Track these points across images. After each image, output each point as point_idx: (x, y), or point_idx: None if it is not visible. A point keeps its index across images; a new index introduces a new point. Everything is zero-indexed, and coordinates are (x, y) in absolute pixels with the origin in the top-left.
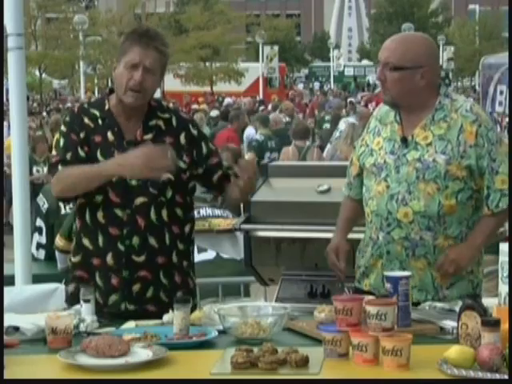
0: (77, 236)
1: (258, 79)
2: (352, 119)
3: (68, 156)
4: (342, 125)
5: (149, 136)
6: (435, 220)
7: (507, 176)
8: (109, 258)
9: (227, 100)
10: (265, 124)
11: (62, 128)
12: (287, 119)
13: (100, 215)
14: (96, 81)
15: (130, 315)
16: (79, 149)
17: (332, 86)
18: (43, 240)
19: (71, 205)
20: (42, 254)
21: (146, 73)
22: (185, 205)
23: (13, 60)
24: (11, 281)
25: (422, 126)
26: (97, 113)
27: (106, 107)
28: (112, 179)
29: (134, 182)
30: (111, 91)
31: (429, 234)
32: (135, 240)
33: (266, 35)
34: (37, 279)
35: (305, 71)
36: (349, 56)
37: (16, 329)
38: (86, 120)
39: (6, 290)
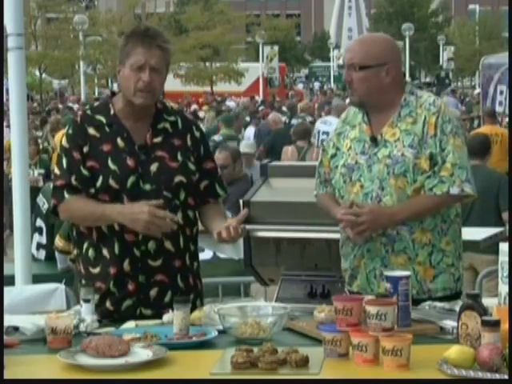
0: (96, 247)
1: (258, 79)
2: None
3: (73, 179)
4: (320, 125)
5: (158, 139)
6: None
7: (452, 166)
8: (125, 265)
9: (229, 103)
10: (228, 124)
11: (64, 143)
12: (310, 119)
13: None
14: (96, 81)
15: (147, 319)
16: (82, 168)
17: (332, 86)
18: (43, 240)
19: None
20: (42, 254)
21: (152, 72)
22: (195, 206)
23: (13, 60)
24: (11, 281)
25: (390, 124)
26: (102, 119)
27: (112, 112)
28: (127, 185)
29: (147, 187)
30: (113, 94)
31: (404, 228)
32: (151, 245)
33: (265, 35)
34: (37, 279)
35: (305, 71)
36: None
37: (16, 329)
38: (91, 130)
39: (6, 290)
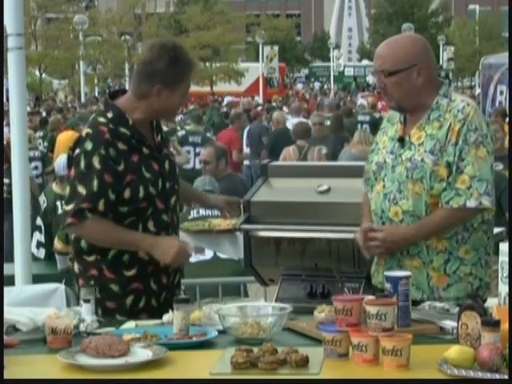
0: (131, 251)
1: (258, 79)
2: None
3: (100, 204)
4: (290, 124)
5: (159, 137)
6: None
7: (470, 178)
8: (161, 262)
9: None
10: (196, 121)
11: (96, 164)
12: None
13: (151, 224)
14: (96, 81)
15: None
16: (111, 192)
17: (332, 86)
18: (43, 239)
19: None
20: (42, 252)
21: None
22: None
23: (13, 60)
24: (11, 281)
25: (418, 126)
26: (126, 131)
27: (130, 123)
28: (157, 188)
29: (168, 186)
30: (110, 97)
31: None
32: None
33: (265, 35)
34: (37, 279)
35: (305, 71)
36: (349, 56)
37: (16, 329)
38: (121, 145)
39: (6, 290)
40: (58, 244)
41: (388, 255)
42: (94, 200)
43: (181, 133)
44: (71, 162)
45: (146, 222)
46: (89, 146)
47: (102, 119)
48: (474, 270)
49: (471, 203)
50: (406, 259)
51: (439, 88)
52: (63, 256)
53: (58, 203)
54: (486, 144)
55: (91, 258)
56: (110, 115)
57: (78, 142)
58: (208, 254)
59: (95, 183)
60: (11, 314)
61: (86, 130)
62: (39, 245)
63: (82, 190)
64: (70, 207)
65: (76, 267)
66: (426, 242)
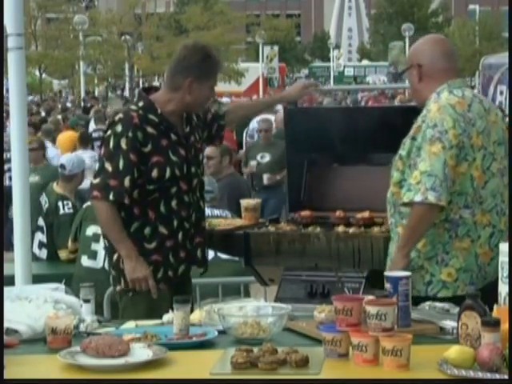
0: (152, 225)
1: (258, 79)
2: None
3: (126, 182)
4: (255, 123)
5: (188, 128)
6: (392, 208)
7: (421, 174)
8: (180, 236)
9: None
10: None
11: (123, 145)
12: None
13: (174, 203)
14: (96, 81)
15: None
16: (136, 171)
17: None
18: (45, 239)
19: (70, 205)
20: (44, 253)
21: None
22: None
23: (13, 60)
24: (11, 281)
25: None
26: (154, 118)
27: (159, 112)
28: (182, 171)
29: (193, 170)
30: (145, 90)
31: (467, 211)
32: (194, 216)
33: (265, 35)
34: (37, 279)
35: (305, 71)
36: (349, 56)
37: (15, 330)
38: (149, 129)
39: (6, 289)
40: (62, 253)
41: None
42: (120, 176)
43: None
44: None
45: (170, 201)
46: (118, 128)
47: (133, 107)
48: (426, 264)
49: (418, 198)
50: (455, 242)
51: (440, 85)
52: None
53: (60, 203)
54: (443, 140)
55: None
56: (140, 104)
57: (110, 125)
58: (209, 254)
59: (121, 162)
60: (11, 323)
61: (118, 116)
62: (41, 245)
63: (108, 166)
64: (96, 181)
65: (105, 242)
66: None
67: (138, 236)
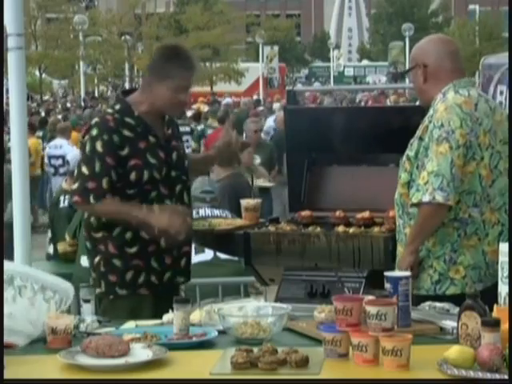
0: (134, 230)
1: (258, 79)
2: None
3: (104, 183)
4: (271, 121)
5: (170, 131)
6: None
7: (428, 174)
8: (162, 242)
9: (227, 100)
10: (214, 116)
11: (98, 148)
12: None
13: (154, 208)
14: (96, 81)
15: (178, 286)
16: (113, 173)
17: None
18: (50, 234)
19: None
20: (51, 248)
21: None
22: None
23: (13, 60)
24: None
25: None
26: (131, 121)
27: (136, 114)
28: (161, 174)
29: (173, 174)
30: (124, 93)
31: (475, 210)
32: None
33: (265, 35)
34: None
35: (305, 71)
36: (349, 56)
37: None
38: (126, 132)
39: None
40: (60, 246)
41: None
42: (97, 179)
43: (200, 127)
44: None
45: (151, 205)
46: (94, 132)
47: (109, 110)
48: (434, 263)
49: (425, 198)
50: (463, 240)
51: (445, 85)
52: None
53: (61, 198)
54: (450, 140)
55: (98, 235)
56: (117, 107)
57: (87, 130)
58: (208, 254)
59: (97, 165)
60: (10, 337)
61: (94, 120)
62: (49, 241)
63: (85, 170)
64: (75, 186)
65: (87, 244)
66: (482, 216)
67: (120, 240)
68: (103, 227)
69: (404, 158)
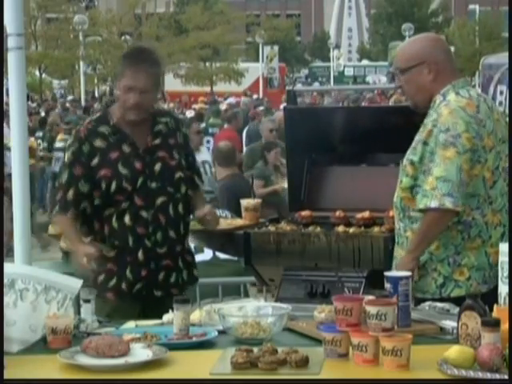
0: (108, 239)
1: (258, 79)
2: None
3: (69, 195)
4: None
5: (157, 141)
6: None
7: (436, 179)
8: (140, 254)
9: (230, 100)
10: (216, 115)
11: (68, 157)
12: None
13: (127, 218)
14: (96, 81)
15: (157, 300)
16: (80, 184)
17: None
18: None
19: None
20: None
21: (140, 94)
22: (191, 194)
23: (13, 60)
24: None
25: (422, 123)
26: (106, 130)
27: (112, 122)
28: (137, 186)
29: (154, 185)
30: (112, 102)
31: (477, 212)
32: (159, 235)
33: (265, 35)
34: None
35: (305, 71)
36: (349, 56)
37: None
38: (97, 142)
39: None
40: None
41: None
42: (64, 190)
43: (202, 125)
44: None
45: (122, 216)
46: (68, 142)
47: (88, 119)
48: (439, 267)
49: (434, 204)
50: (467, 243)
51: (445, 86)
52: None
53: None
54: (457, 144)
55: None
56: (96, 116)
57: None
58: (208, 254)
59: (65, 175)
60: (12, 345)
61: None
62: None
63: (58, 181)
64: (54, 197)
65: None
66: (484, 218)
67: (106, 246)
68: (87, 224)
69: (405, 161)
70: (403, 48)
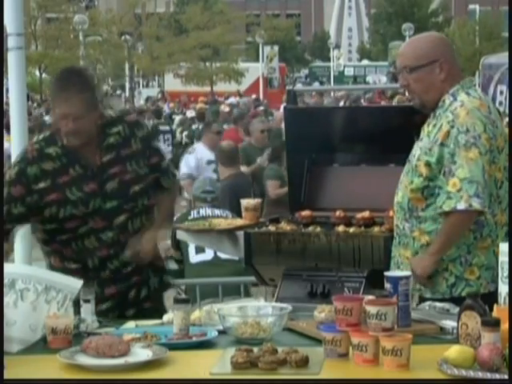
0: (68, 262)
1: (258, 79)
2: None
3: (4, 211)
4: None
5: (108, 157)
6: (407, 213)
7: (461, 181)
8: (105, 275)
9: (231, 100)
10: (216, 115)
11: (12, 174)
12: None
13: (89, 242)
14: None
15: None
16: (14, 207)
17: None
18: None
19: None
20: None
21: (75, 120)
22: (153, 202)
23: (13, 60)
24: None
25: (427, 123)
26: (54, 152)
27: (60, 143)
28: (89, 209)
29: (109, 206)
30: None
31: (488, 211)
32: (122, 256)
33: (265, 35)
34: None
35: (305, 71)
36: (349, 56)
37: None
38: (46, 165)
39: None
40: None
41: (428, 279)
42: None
43: (201, 125)
44: None
45: (82, 240)
46: (14, 160)
47: (35, 138)
48: (450, 266)
49: (461, 205)
50: (478, 242)
51: (453, 85)
52: None
53: None
54: (478, 145)
55: (46, 248)
56: (43, 136)
57: None
58: (209, 254)
59: (5, 192)
60: (12, 345)
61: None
62: None
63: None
64: None
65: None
66: (494, 218)
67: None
68: (43, 243)
69: (417, 162)
70: (413, 46)
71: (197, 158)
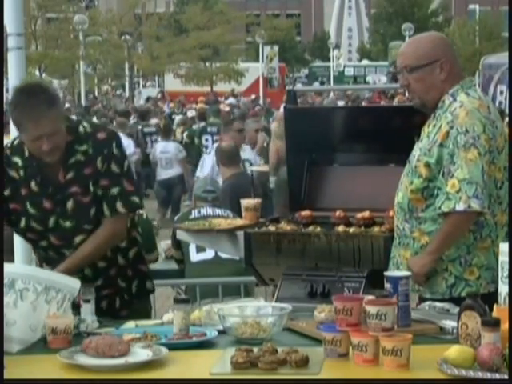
0: (46, 265)
1: (258, 79)
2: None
3: None
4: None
5: (70, 175)
6: (407, 213)
7: (460, 182)
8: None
9: (230, 100)
10: (215, 114)
11: None
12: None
13: (50, 254)
14: (96, 81)
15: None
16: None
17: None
18: None
19: None
20: None
21: (50, 136)
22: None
23: (13, 60)
24: None
25: (427, 124)
26: (18, 162)
27: (26, 154)
28: (48, 225)
29: (68, 224)
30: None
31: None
32: (87, 271)
33: (265, 35)
34: None
35: (305, 71)
36: (349, 56)
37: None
38: (11, 172)
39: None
40: None
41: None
42: None
43: (202, 124)
44: None
45: (45, 252)
46: None
47: (6, 146)
48: (450, 267)
49: (460, 206)
50: (478, 243)
51: (453, 86)
52: None
53: None
54: (478, 146)
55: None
56: (15, 142)
57: None
58: (210, 253)
59: None
60: (12, 345)
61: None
62: None
63: None
64: None
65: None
66: (494, 218)
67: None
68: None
69: (416, 163)
70: (413, 46)
71: (213, 159)
